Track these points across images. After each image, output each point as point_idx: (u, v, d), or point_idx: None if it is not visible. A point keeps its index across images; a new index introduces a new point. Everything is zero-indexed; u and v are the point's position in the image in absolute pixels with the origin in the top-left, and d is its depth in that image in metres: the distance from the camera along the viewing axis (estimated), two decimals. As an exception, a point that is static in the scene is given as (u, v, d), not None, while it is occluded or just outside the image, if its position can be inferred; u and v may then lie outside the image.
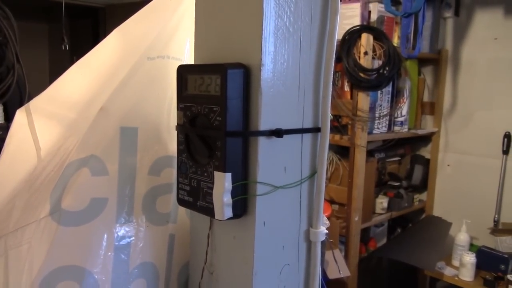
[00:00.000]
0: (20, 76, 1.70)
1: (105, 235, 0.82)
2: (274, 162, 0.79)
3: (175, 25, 0.93)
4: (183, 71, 0.82)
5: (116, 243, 0.83)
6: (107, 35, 0.99)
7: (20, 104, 0.95)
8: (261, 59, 0.74)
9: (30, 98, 0.99)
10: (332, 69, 0.82)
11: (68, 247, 0.80)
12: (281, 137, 0.78)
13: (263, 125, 0.76)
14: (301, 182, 0.84)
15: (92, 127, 0.85)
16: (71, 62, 0.99)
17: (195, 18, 0.85)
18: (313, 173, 0.85)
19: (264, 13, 0.73)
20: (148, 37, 0.91)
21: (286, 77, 0.78)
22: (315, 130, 0.84)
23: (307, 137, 0.84)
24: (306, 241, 0.87)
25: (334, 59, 0.82)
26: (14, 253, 0.83)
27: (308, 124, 0.83)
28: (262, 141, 0.76)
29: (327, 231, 0.87)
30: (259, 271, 0.79)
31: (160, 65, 0.90)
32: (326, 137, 0.83)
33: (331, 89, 0.83)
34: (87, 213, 0.82)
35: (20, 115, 0.97)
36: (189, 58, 0.94)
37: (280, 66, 0.77)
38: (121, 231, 0.84)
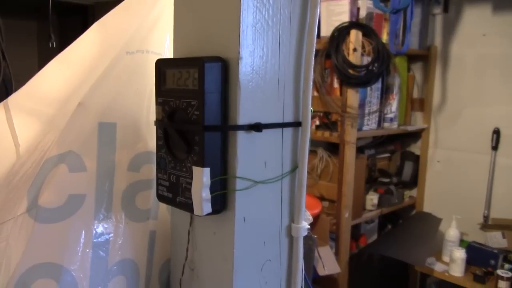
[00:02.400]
0: (7, 74, 1.67)
1: (83, 232, 0.81)
2: (253, 156, 0.78)
3: (154, 19, 0.92)
4: (162, 65, 0.81)
5: (95, 240, 0.82)
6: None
7: (6, 101, 0.94)
8: (239, 52, 0.73)
9: (12, 95, 0.97)
10: (313, 63, 0.82)
11: (45, 244, 0.79)
12: (261, 131, 0.77)
13: (242, 120, 0.75)
14: (282, 177, 0.83)
15: (70, 123, 0.84)
16: (57, 59, 0.98)
17: (174, 11, 0.84)
18: (295, 168, 0.84)
19: (241, 5, 0.72)
20: (128, 31, 0.90)
21: (265, 71, 0.77)
22: (296, 124, 0.83)
23: (288, 131, 0.83)
24: (288, 236, 0.86)
25: (314, 52, 0.81)
26: (-9, 251, 0.82)
27: (288, 119, 0.82)
28: (241, 135, 0.75)
29: (309, 226, 0.87)
30: (239, 267, 0.78)
31: (139, 59, 0.89)
32: (307, 131, 0.83)
33: (311, 83, 0.82)
34: (65, 210, 0.80)
35: (-1, 112, 0.95)
36: (169, 53, 0.93)
37: (259, 60, 0.76)
38: (100, 227, 0.83)
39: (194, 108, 0.74)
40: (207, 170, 0.74)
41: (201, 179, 0.74)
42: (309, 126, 0.83)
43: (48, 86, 0.94)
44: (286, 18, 0.79)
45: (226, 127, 0.75)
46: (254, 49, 0.75)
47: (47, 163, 0.82)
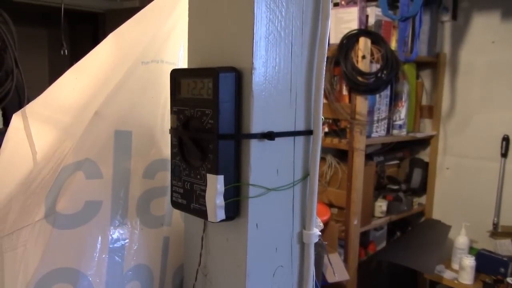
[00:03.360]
0: (19, 81, 1.71)
1: (100, 238, 0.83)
2: (266, 164, 0.80)
3: (169, 30, 0.94)
4: (176, 75, 0.83)
5: (111, 246, 0.84)
6: (106, 40, 1.00)
7: (19, 109, 0.96)
8: (253, 63, 0.75)
9: (29, 103, 1.00)
10: (324, 72, 0.83)
11: (63, 250, 0.81)
12: (273, 139, 0.78)
13: (255, 128, 0.77)
14: (293, 184, 0.84)
15: (86, 131, 0.86)
16: (71, 67, 1.00)
17: (188, 22, 0.86)
18: (306, 175, 0.86)
19: (255, 17, 0.74)
20: (143, 41, 0.92)
21: (278, 80, 0.79)
22: (308, 132, 0.85)
23: (300, 139, 0.84)
24: (299, 243, 0.87)
25: (325, 62, 0.83)
26: (9, 256, 0.84)
27: (300, 127, 0.84)
28: (254, 143, 0.77)
29: (320, 233, 0.88)
30: (252, 273, 0.80)
31: (154, 69, 0.91)
32: (319, 139, 0.84)
33: (322, 92, 0.84)
34: (82, 216, 0.82)
35: (16, 120, 0.98)
36: (183, 63, 0.95)
37: (271, 70, 0.78)
38: (115, 233, 0.85)
39: (208, 117, 0.76)
40: (221, 178, 0.75)
41: (215, 186, 0.75)
42: (320, 135, 0.84)
43: (65, 95, 0.96)
44: (298, 29, 0.81)
45: (239, 136, 0.77)
46: (267, 59, 0.77)
47: (64, 171, 0.84)
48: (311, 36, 0.83)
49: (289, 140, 0.83)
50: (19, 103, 1.64)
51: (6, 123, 1.59)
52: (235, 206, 0.78)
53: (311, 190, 0.85)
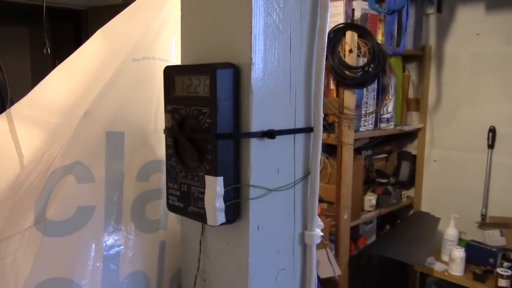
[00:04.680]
0: (1, 81, 1.65)
1: (93, 245, 0.79)
2: (266, 164, 0.77)
3: (160, 25, 0.90)
4: (170, 72, 0.79)
5: (105, 253, 0.80)
6: (89, 37, 0.95)
7: (2, 109, 0.92)
8: (251, 58, 0.72)
9: (12, 103, 0.95)
10: (324, 67, 0.80)
11: (55, 259, 0.77)
12: (274, 138, 0.75)
13: (255, 126, 0.74)
14: (294, 184, 0.82)
15: (76, 133, 0.82)
16: (53, 65, 0.96)
17: (181, 17, 0.82)
18: (307, 174, 0.83)
19: (252, 10, 0.71)
20: (133, 37, 0.88)
21: (277, 76, 0.76)
22: (308, 130, 0.82)
23: (300, 137, 0.81)
24: (301, 244, 0.84)
25: (325, 56, 0.80)
26: (-2, 266, 0.80)
27: (300, 124, 0.81)
28: (254, 143, 0.74)
29: (322, 233, 0.85)
30: (254, 277, 0.77)
31: (145, 66, 0.87)
32: (319, 136, 0.81)
33: (322, 87, 0.81)
34: (74, 223, 0.78)
35: (1, 122, 0.93)
36: (175, 59, 0.92)
37: (270, 65, 0.75)
38: (110, 240, 0.81)
39: (206, 116, 0.73)
40: (220, 179, 0.72)
41: (215, 189, 0.72)
42: (321, 131, 0.82)
43: (52, 95, 0.92)
44: (297, 22, 0.78)
45: (239, 135, 0.74)
46: (265, 54, 0.74)
47: (54, 174, 0.80)
48: (310, 29, 0.80)
49: (289, 138, 0.80)
50: (2, 104, 1.57)
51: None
52: (235, 209, 0.75)
53: (313, 189, 0.83)
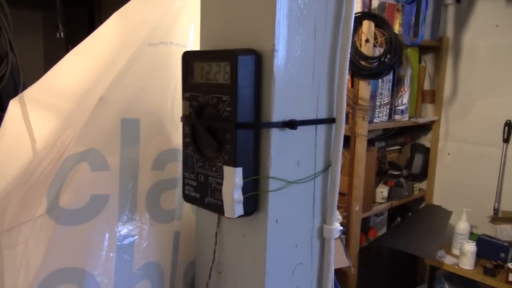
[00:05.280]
0: (14, 65, 1.63)
1: (107, 235, 0.77)
2: (287, 155, 0.74)
3: (178, 9, 0.87)
4: (189, 58, 0.76)
5: (119, 243, 0.78)
6: (103, 23, 0.92)
7: (15, 94, 0.89)
8: (274, 44, 0.68)
9: (25, 87, 0.93)
10: (348, 57, 0.77)
11: (67, 248, 0.75)
12: (295, 128, 0.72)
13: (276, 116, 0.71)
14: (314, 176, 0.79)
15: (90, 119, 0.79)
16: (66, 50, 0.93)
17: (201, 0, 0.79)
18: (327, 166, 0.80)
19: (277, -6, 0.68)
20: (150, 21, 0.85)
21: (300, 64, 0.73)
22: (330, 121, 0.79)
23: (321, 128, 0.79)
24: (320, 238, 0.82)
25: (350, 45, 0.77)
26: (9, 254, 0.78)
27: (322, 115, 0.78)
28: (274, 133, 0.71)
29: (341, 227, 0.83)
30: (271, 271, 0.75)
31: (163, 51, 0.84)
32: (342, 127, 0.78)
33: (347, 77, 0.78)
34: (87, 211, 0.76)
35: (13, 106, 0.91)
36: (193, 44, 0.89)
37: (294, 53, 0.71)
38: (124, 229, 0.79)
39: (225, 104, 0.70)
40: (239, 170, 0.70)
41: (233, 180, 0.69)
42: (343, 123, 0.79)
43: (66, 79, 0.89)
44: (322, 9, 0.75)
45: (259, 124, 0.71)
46: (289, 41, 0.70)
47: (67, 161, 0.78)
48: (335, 17, 0.77)
49: (311, 129, 0.77)
50: (15, 88, 1.56)
51: (1, 108, 1.51)
52: (253, 201, 0.73)
53: (333, 182, 0.80)
